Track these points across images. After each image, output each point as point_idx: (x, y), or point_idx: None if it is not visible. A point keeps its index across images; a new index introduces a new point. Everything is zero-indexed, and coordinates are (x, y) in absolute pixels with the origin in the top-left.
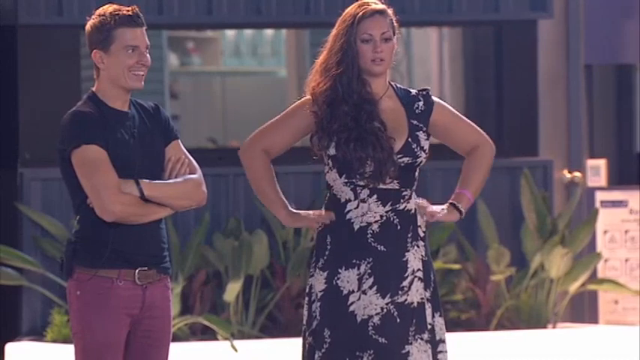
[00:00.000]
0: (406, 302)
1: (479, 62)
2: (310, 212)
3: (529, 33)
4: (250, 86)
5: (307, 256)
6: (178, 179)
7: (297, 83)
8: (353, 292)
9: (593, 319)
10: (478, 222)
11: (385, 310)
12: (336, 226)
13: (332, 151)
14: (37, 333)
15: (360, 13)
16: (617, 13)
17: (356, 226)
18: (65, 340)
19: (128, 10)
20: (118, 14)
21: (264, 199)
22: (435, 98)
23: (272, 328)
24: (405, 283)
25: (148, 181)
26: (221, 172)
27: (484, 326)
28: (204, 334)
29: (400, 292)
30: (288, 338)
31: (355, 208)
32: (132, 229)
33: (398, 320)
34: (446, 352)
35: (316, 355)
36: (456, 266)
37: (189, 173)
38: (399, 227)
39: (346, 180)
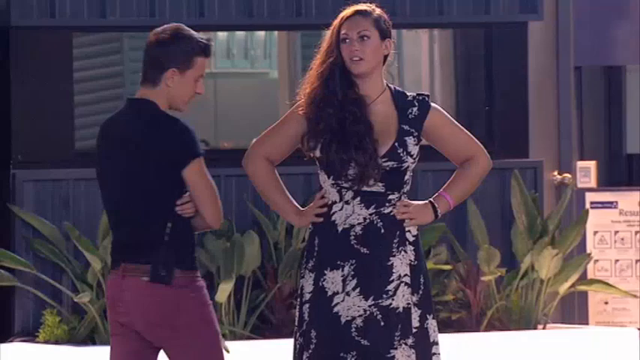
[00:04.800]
0: (391, 306)
1: (469, 64)
2: (310, 207)
3: (519, 35)
4: (242, 88)
5: (298, 257)
6: None
7: (289, 85)
8: (337, 293)
9: (583, 319)
10: (469, 223)
11: (368, 312)
12: (323, 228)
13: (317, 153)
14: (30, 334)
15: (343, 15)
16: (606, 16)
17: (340, 228)
18: (57, 341)
19: (209, 40)
20: (202, 43)
21: (273, 205)
22: (433, 104)
23: (263, 328)
24: (390, 287)
25: None
26: (213, 173)
27: (474, 327)
28: None
29: (385, 296)
30: (279, 339)
31: (340, 210)
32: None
33: (382, 324)
34: (439, 354)
35: (304, 356)
36: (447, 267)
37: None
38: (382, 231)
39: (333, 182)
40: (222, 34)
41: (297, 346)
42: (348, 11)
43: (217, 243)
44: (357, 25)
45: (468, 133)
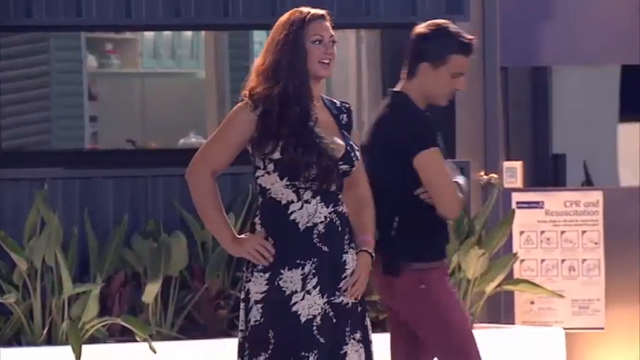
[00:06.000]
0: (342, 303)
1: (397, 64)
2: (250, 240)
3: None
4: (169, 87)
5: (226, 258)
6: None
7: (216, 85)
8: (296, 292)
9: (509, 319)
10: None
11: (323, 310)
12: (279, 228)
13: (276, 155)
14: None
15: (309, 15)
16: (532, 17)
17: (301, 227)
18: None
19: (471, 39)
20: (461, 41)
21: (209, 225)
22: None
23: (191, 329)
24: (342, 283)
25: (461, 180)
26: (140, 173)
27: None
28: (123, 335)
29: (337, 293)
30: (206, 339)
31: (299, 209)
32: (444, 224)
33: (334, 320)
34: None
35: (261, 358)
36: None
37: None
38: (339, 229)
39: (288, 182)
40: (149, 34)
41: (247, 350)
42: (314, 13)
43: (144, 243)
44: (327, 29)
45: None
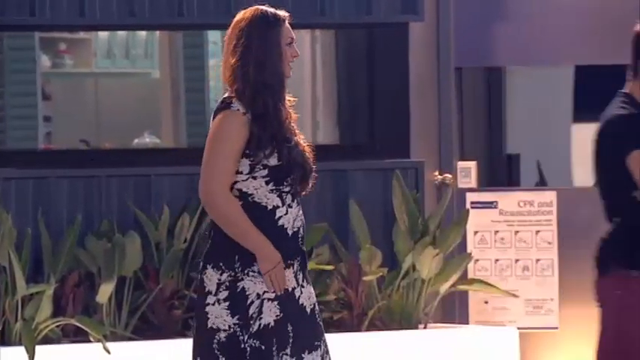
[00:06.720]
0: (311, 291)
1: (351, 65)
2: (281, 263)
3: (400, 36)
4: (123, 87)
5: (180, 258)
6: None
7: (170, 85)
8: (295, 287)
9: (463, 319)
10: (350, 223)
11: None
12: (267, 233)
13: (273, 162)
14: None
15: (281, 17)
16: (486, 17)
17: (290, 232)
18: None
19: None
20: None
21: (253, 242)
22: None
23: (145, 329)
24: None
25: None
26: (94, 173)
27: (356, 327)
28: (77, 335)
29: (310, 283)
30: (160, 340)
31: (285, 214)
32: None
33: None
34: None
35: (283, 353)
36: (329, 267)
37: None
38: (304, 228)
39: (273, 187)
40: (103, 34)
41: (247, 348)
42: (284, 14)
43: (98, 243)
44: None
45: None
